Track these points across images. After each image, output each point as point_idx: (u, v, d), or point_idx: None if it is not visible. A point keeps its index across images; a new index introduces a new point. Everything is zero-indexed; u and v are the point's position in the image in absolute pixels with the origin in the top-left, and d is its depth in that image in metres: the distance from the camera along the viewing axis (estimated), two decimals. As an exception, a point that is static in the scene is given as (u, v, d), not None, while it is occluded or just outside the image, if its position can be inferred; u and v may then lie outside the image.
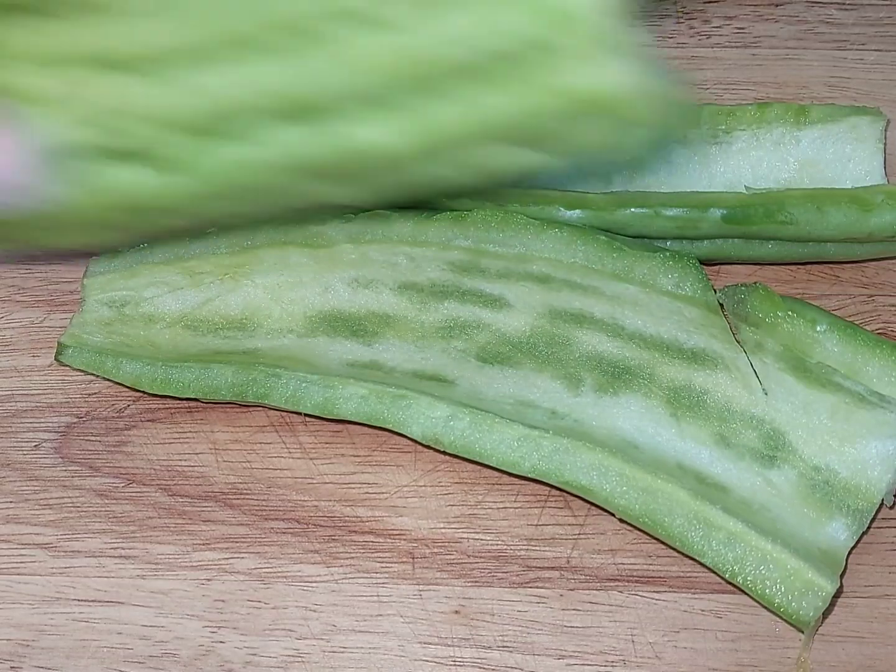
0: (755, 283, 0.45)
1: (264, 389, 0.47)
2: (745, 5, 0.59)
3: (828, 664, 0.44)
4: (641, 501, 0.44)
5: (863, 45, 0.57)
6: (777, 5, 0.59)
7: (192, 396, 0.48)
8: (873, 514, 0.44)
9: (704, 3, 0.59)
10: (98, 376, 0.49)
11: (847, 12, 0.58)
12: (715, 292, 0.46)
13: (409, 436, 0.46)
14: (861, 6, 0.58)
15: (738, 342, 0.45)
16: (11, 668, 0.45)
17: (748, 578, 0.43)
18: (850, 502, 0.44)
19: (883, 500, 0.44)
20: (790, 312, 0.45)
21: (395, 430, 0.46)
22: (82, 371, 0.49)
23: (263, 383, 0.47)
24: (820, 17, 0.58)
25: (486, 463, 0.45)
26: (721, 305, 0.46)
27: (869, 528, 0.44)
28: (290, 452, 0.48)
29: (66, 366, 0.49)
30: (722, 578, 0.44)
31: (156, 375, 0.48)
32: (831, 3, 0.59)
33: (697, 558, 0.43)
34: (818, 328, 0.44)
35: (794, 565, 0.42)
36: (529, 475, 0.45)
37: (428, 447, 0.46)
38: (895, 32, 0.58)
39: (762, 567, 0.43)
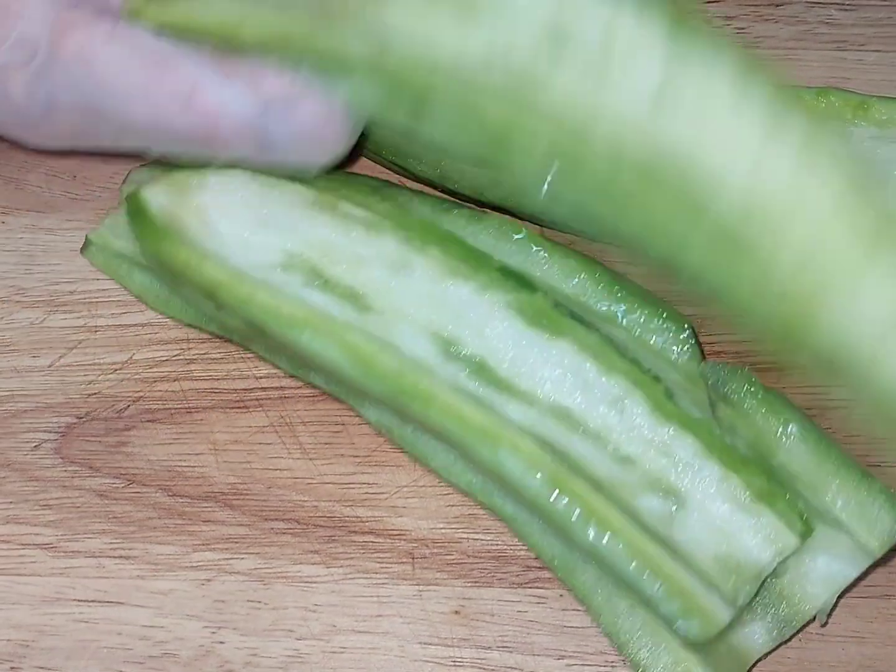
0: (742, 366, 0.43)
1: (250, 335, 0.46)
2: (745, 6, 0.59)
3: (827, 664, 0.44)
4: (557, 547, 0.44)
5: (863, 45, 0.57)
6: (777, 6, 0.59)
7: (184, 321, 0.49)
8: (798, 627, 0.42)
9: (704, 3, 0.59)
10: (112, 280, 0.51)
11: (847, 13, 0.58)
12: (699, 362, 0.44)
13: (364, 417, 0.47)
14: (861, 7, 0.58)
15: (715, 417, 0.43)
16: (11, 668, 0.44)
17: (637, 653, 0.42)
18: (780, 609, 0.42)
19: (816, 615, 0.42)
20: (764, 408, 0.42)
21: (353, 406, 0.47)
22: (104, 269, 0.51)
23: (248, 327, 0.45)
24: (820, 17, 0.58)
25: (426, 465, 0.46)
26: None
27: (787, 641, 0.43)
28: (289, 453, 0.48)
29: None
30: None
31: (160, 293, 0.49)
32: (831, 4, 0.59)
33: (592, 617, 0.43)
34: (789, 430, 0.41)
35: (684, 657, 0.41)
36: (463, 488, 0.45)
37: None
38: (895, 33, 0.58)
39: (655, 648, 0.42)
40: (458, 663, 0.44)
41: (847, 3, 0.59)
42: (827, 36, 0.58)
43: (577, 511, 0.41)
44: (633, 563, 0.40)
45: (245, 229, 0.46)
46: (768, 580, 0.42)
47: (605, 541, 0.40)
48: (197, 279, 0.44)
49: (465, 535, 0.47)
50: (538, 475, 0.41)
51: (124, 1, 0.46)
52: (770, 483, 0.41)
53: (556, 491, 0.41)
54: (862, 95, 0.49)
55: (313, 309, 0.44)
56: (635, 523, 0.41)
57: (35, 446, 0.49)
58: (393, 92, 0.41)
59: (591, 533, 0.41)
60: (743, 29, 0.58)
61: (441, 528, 0.47)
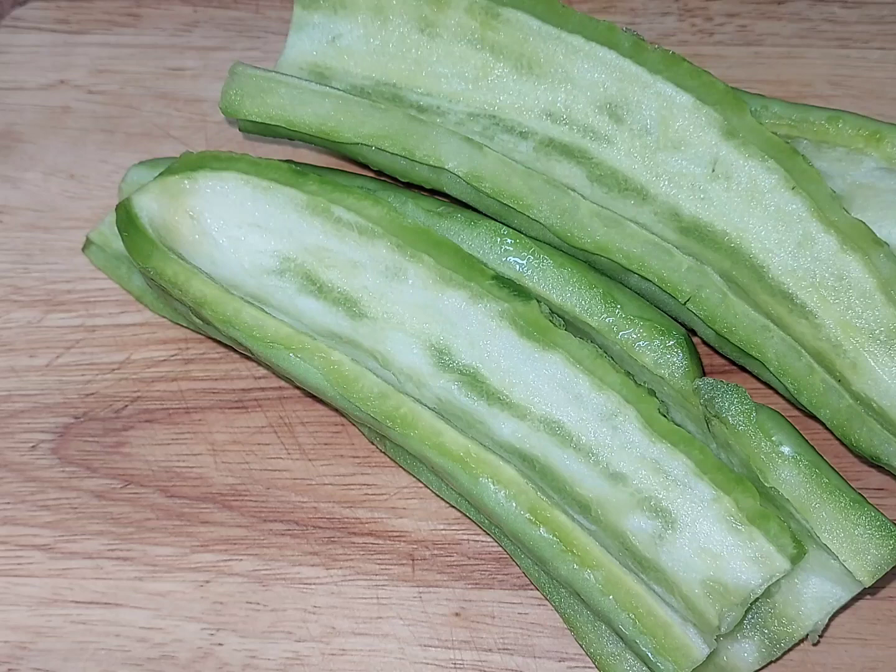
0: (735, 384, 0.43)
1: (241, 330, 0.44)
2: (748, 3, 0.58)
3: (830, 666, 0.44)
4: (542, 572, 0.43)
5: (866, 42, 0.57)
6: (780, 3, 0.58)
7: (182, 323, 0.49)
8: (790, 645, 0.42)
9: (707, 0, 0.58)
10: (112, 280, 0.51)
11: (850, 10, 0.58)
12: (693, 378, 0.43)
13: (363, 432, 0.47)
14: (864, 4, 0.58)
15: (710, 432, 0.43)
16: (9, 670, 0.44)
17: None
18: (772, 627, 0.42)
19: (808, 635, 0.42)
20: (758, 427, 0.41)
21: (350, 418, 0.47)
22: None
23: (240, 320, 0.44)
24: (823, 14, 0.58)
25: (417, 476, 0.46)
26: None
27: (778, 659, 0.43)
28: (288, 453, 0.48)
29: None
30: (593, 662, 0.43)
31: (157, 294, 0.49)
32: (834, 1, 0.58)
33: (577, 638, 0.43)
34: (782, 451, 0.41)
35: None
36: (451, 502, 0.46)
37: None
38: (898, 30, 0.57)
39: (639, 670, 0.42)
40: (458, 665, 0.44)
41: (850, 0, 0.58)
42: (830, 33, 0.57)
43: (555, 543, 0.41)
44: (610, 597, 0.40)
45: (238, 232, 0.46)
46: (759, 601, 0.41)
47: (581, 574, 0.40)
48: (184, 296, 0.44)
49: (465, 537, 0.46)
50: (517, 506, 0.41)
51: (221, 98, 0.48)
52: (762, 504, 0.40)
53: (535, 522, 0.41)
54: (876, 123, 0.47)
55: (297, 328, 0.44)
56: (617, 552, 0.41)
57: (32, 447, 0.48)
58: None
59: (569, 566, 0.40)
60: (745, 27, 0.58)
61: (441, 530, 0.47)
